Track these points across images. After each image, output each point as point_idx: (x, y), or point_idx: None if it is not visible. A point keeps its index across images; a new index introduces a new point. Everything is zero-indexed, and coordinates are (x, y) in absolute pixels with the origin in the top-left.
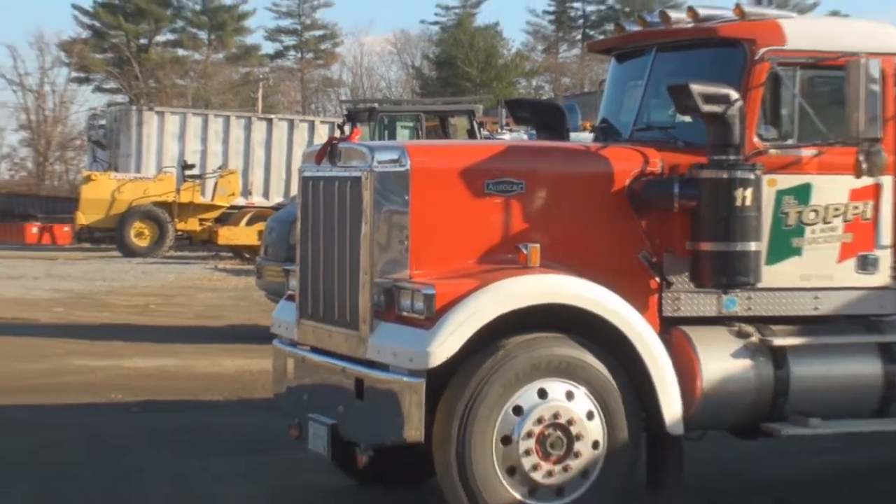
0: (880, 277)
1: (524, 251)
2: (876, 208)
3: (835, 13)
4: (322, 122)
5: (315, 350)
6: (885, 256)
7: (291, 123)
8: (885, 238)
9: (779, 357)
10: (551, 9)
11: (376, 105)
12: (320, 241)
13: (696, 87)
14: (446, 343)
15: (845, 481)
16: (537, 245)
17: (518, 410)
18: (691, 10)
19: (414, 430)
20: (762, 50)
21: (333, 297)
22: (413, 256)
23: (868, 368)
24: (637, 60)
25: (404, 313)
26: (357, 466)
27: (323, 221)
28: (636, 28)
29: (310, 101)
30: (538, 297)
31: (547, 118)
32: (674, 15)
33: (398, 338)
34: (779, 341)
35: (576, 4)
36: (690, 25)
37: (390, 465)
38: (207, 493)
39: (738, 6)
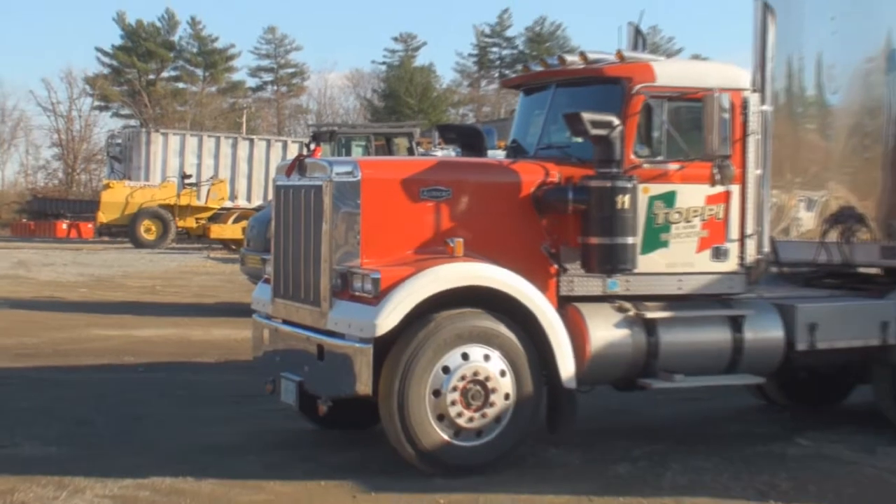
0: (730, 265)
1: (451, 244)
2: (726, 210)
3: (696, 56)
4: (293, 142)
5: (286, 322)
6: (733, 248)
7: (269, 143)
8: (734, 233)
9: (650, 327)
10: (474, 52)
11: (336, 128)
12: (290, 236)
13: (586, 115)
14: (389, 317)
15: (707, 423)
16: (461, 239)
17: (446, 370)
18: (582, 54)
19: (364, 386)
20: (637, 86)
21: (300, 280)
22: (363, 248)
23: (720, 336)
24: (540, 94)
25: (356, 293)
26: (318, 414)
27: (292, 220)
28: (539, 68)
29: (284, 125)
30: (462, 280)
31: (469, 139)
32: (569, 58)
33: (351, 312)
34: (651, 314)
35: (493, 49)
36: (582, 66)
37: (345, 413)
38: (200, 434)
39: (618, 52)
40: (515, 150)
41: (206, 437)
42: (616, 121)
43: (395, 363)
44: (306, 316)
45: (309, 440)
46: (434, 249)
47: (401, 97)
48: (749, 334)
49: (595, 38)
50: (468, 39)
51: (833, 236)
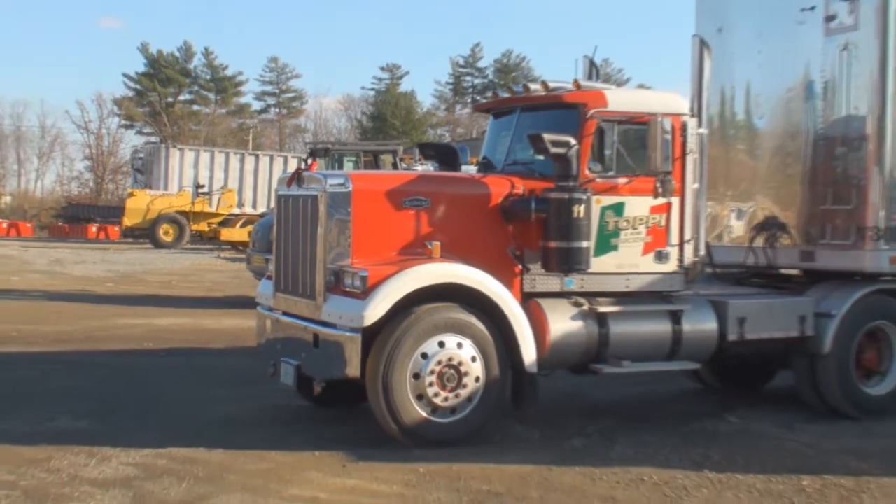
0: (670, 266)
1: (430, 247)
2: (668, 219)
3: (642, 86)
4: (293, 157)
5: (286, 314)
6: (674, 252)
7: (272, 158)
8: (674, 239)
9: (602, 320)
10: (450, 81)
11: (330, 146)
12: (290, 239)
13: (547, 136)
14: (376, 309)
15: (650, 403)
16: (438, 242)
17: (424, 355)
18: (544, 83)
19: (353, 369)
20: (592, 111)
21: (298, 277)
22: (353, 250)
23: (662, 327)
24: (507, 117)
25: (347, 289)
26: (314, 394)
27: (291, 225)
28: (507, 95)
29: (285, 143)
30: (439, 278)
31: (446, 156)
32: (532, 86)
33: (343, 306)
34: (602, 309)
35: (467, 78)
36: (543, 93)
37: (337, 392)
38: (211, 411)
39: (575, 81)
40: (486, 166)
41: (216, 413)
42: (573, 141)
43: (380, 350)
44: (303, 308)
45: (306, 416)
46: (415, 251)
47: (387, 119)
48: (687, 326)
49: (554, 69)
50: (445, 69)
51: (759, 242)
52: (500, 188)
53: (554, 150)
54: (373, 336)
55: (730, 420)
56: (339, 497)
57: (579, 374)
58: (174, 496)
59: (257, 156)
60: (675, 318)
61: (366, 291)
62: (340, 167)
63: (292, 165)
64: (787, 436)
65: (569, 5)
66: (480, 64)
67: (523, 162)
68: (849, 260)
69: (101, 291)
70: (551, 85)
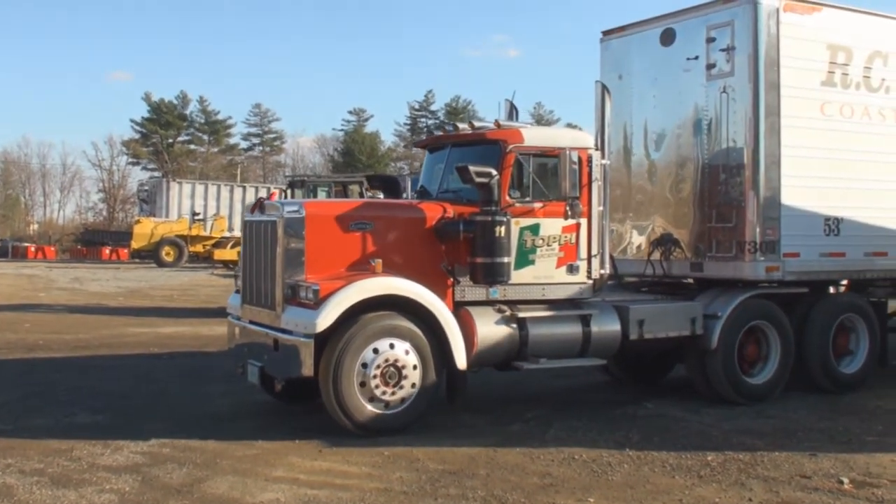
0: (580, 277)
1: (373, 263)
2: (577, 237)
3: (570, 124)
4: (275, 188)
5: (251, 322)
6: (583, 265)
7: (256, 189)
8: (583, 254)
9: (522, 323)
10: (408, 122)
11: (306, 178)
12: (254, 258)
13: (472, 168)
14: (326, 318)
15: (578, 394)
16: (381, 260)
17: (370, 356)
18: (470, 122)
19: (308, 369)
20: (511, 146)
21: (261, 291)
22: (307, 267)
23: (574, 329)
24: (440, 152)
25: (302, 300)
26: (276, 391)
27: (255, 246)
28: (440, 133)
29: (267, 176)
30: (381, 290)
31: (390, 186)
32: (461, 125)
33: (298, 315)
34: (522, 314)
35: (422, 119)
36: (470, 132)
37: (295, 389)
38: (206, 405)
39: (496, 121)
40: (422, 194)
41: (211, 408)
42: (494, 172)
43: (330, 352)
44: (266, 317)
45: (286, 410)
46: (361, 267)
47: (354, 155)
48: (595, 328)
49: (496, 110)
50: (403, 112)
51: (657, 255)
52: (433, 212)
53: (478, 179)
54: (325, 341)
55: (646, 406)
56: (315, 478)
57: (503, 370)
58: (176, 479)
59: (244, 187)
60: (585, 321)
61: (318, 302)
62: (315, 196)
63: (275, 196)
64: (695, 419)
65: (508, 57)
66: (433, 107)
67: (454, 190)
68: (731, 270)
69: (113, 304)
70: (477, 124)
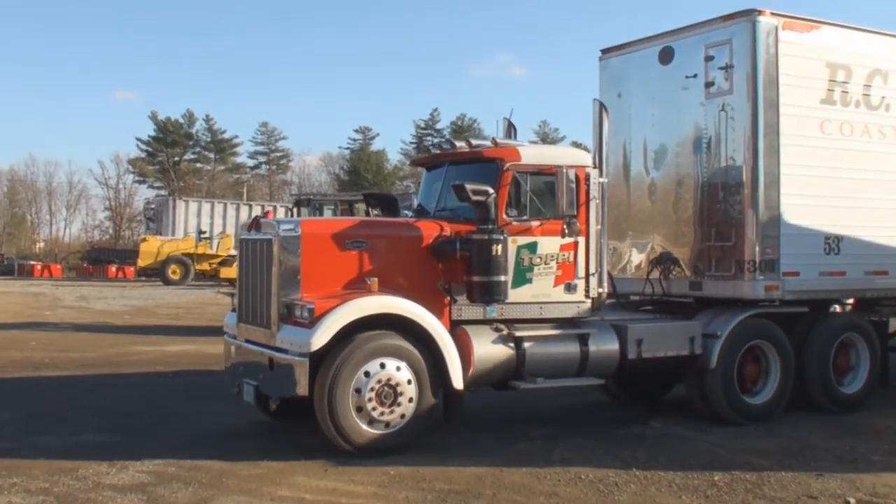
0: (578, 296)
1: (369, 282)
2: (575, 255)
3: (575, 143)
4: (281, 207)
5: (247, 341)
6: (581, 283)
7: (263, 207)
8: (581, 272)
9: (519, 342)
10: (414, 140)
11: (312, 196)
12: (250, 276)
13: (469, 186)
14: (321, 337)
15: (583, 412)
16: (377, 279)
17: (365, 375)
18: (468, 140)
19: (302, 389)
20: (508, 164)
21: (257, 309)
22: (303, 285)
23: (571, 348)
24: (437, 170)
25: (297, 319)
26: (271, 410)
27: (251, 264)
28: (437, 151)
29: (274, 195)
30: (376, 309)
31: (387, 204)
32: (458, 144)
33: (293, 334)
34: (519, 333)
35: (428, 137)
36: (467, 150)
37: (290, 408)
38: (212, 424)
39: (493, 139)
40: (419, 212)
41: (216, 426)
42: (491, 190)
43: (325, 372)
44: (261, 336)
45: (292, 428)
46: (356, 286)
47: (360, 173)
48: (593, 347)
49: (499, 128)
50: (409, 130)
51: (656, 274)
52: (430, 231)
53: (475, 197)
54: (320, 360)
55: (653, 425)
56: (321, 497)
57: (500, 389)
58: (182, 499)
59: (251, 205)
60: (583, 340)
61: (313, 321)
62: (321, 214)
63: (280, 214)
64: (701, 437)
65: (513, 76)
66: (439, 126)
67: (451, 208)
68: (731, 289)
69: (119, 323)
70: (474, 142)
